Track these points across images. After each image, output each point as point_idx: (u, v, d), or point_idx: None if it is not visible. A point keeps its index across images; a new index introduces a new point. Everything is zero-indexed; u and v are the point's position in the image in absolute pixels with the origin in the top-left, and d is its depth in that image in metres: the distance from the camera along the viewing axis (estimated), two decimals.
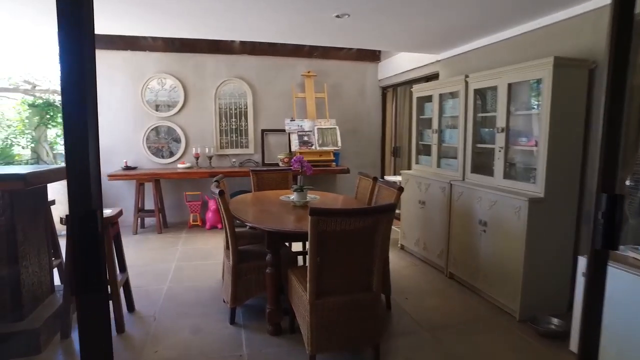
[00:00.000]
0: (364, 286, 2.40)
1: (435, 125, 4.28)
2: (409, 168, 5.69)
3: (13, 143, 10.63)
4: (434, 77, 5.12)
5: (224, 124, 6.34)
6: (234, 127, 6.38)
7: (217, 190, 2.87)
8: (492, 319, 3.12)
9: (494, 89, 3.48)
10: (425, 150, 4.67)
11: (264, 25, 3.93)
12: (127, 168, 5.90)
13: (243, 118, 6.38)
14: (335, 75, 6.65)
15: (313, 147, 6.00)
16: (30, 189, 2.77)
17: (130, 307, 3.23)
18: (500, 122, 3.30)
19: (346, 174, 6.19)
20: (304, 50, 6.44)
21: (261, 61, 6.37)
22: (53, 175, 2.89)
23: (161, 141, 6.22)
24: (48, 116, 6.28)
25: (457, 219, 3.73)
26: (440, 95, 4.18)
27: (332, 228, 2.17)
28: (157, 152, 6.21)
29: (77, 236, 0.94)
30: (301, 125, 6.09)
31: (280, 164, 6.08)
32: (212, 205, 5.90)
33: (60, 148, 6.64)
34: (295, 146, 6.00)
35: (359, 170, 6.49)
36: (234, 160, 6.31)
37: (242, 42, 6.23)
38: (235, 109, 6.35)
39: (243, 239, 3.47)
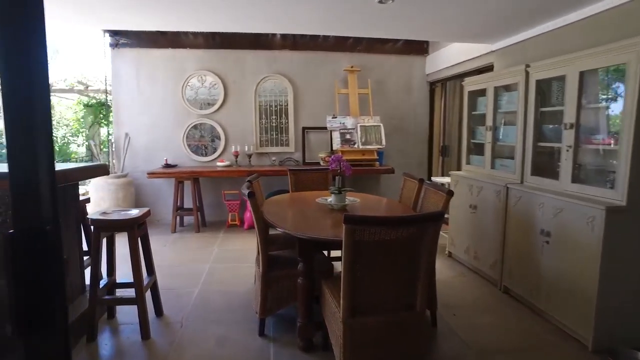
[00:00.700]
0: (406, 304, 2.08)
1: (489, 121, 3.86)
2: (459, 169, 5.27)
3: (69, 141, 11.12)
4: (487, 69, 4.67)
5: (264, 121, 6.18)
6: (274, 124, 6.20)
7: (246, 192, 2.66)
8: (557, 346, 2.70)
9: (560, 79, 3.03)
10: (477, 149, 4.25)
11: (304, 15, 3.69)
12: (167, 166, 5.88)
13: (283, 115, 6.19)
14: (380, 70, 6.31)
15: (356, 146, 5.70)
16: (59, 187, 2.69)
17: (158, 312, 3.09)
18: (569, 117, 2.86)
19: (390, 174, 5.85)
20: (347, 44, 6.16)
21: (302, 56, 6.15)
22: (74, 174, 2.80)
23: (201, 139, 6.15)
24: (101, 115, 6.42)
25: (514, 227, 3.31)
26: (496, 89, 3.75)
27: (369, 238, 1.88)
28: (196, 150, 6.15)
29: (18, 260, 0.72)
30: (343, 123, 5.81)
31: (322, 163, 5.84)
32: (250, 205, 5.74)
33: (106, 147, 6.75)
34: (337, 144, 5.73)
35: (404, 170, 6.12)
36: (273, 158, 6.14)
37: (283, 37, 6.04)
38: (276, 106, 6.17)
39: (276, 243, 3.25)
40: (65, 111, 10.99)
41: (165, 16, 3.83)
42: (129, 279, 2.80)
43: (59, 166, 2.92)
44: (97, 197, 5.53)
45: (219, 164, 5.90)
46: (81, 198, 3.55)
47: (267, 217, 2.71)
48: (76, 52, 21.76)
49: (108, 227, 2.70)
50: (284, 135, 6.21)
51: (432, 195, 2.94)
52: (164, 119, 6.06)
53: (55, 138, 11.01)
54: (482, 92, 4.10)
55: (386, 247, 1.93)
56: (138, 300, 2.71)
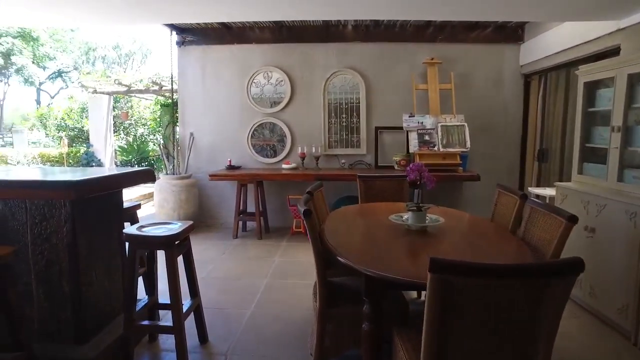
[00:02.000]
0: None
1: (616, 120, 2.99)
2: (563, 178, 4.37)
3: (147, 140, 11.55)
4: (608, 54, 3.73)
5: (333, 120, 5.68)
6: (344, 124, 5.68)
7: (302, 209, 2.15)
8: None
9: None
10: (595, 155, 3.38)
11: None
12: (231, 167, 5.60)
13: (354, 114, 5.64)
14: (464, 62, 5.52)
15: (436, 148, 4.99)
16: (94, 196, 2.39)
17: (203, 338, 2.70)
18: None
19: (475, 182, 5.05)
20: (427, 34, 5.45)
21: (376, 48, 5.55)
22: (117, 181, 2.48)
23: (266, 139, 5.80)
24: (176, 115, 6.38)
25: None
26: (630, 77, 2.88)
27: (467, 292, 1.28)
28: (261, 151, 5.82)
29: None
30: (422, 122, 5.13)
31: (396, 167, 5.22)
32: None
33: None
34: (414, 146, 5.06)
35: (491, 177, 5.29)
36: (343, 161, 5.62)
37: (355, 28, 5.48)
38: (346, 104, 5.64)
39: (339, 265, 2.71)
40: (143, 111, 11.44)
41: (227, 7, 3.47)
42: None
43: (97, 172, 2.63)
44: (161, 198, 5.40)
45: (284, 166, 5.51)
46: (132, 204, 3.29)
47: (328, 240, 2.18)
48: (153, 53, 23.02)
49: (143, 244, 2.34)
50: (354, 135, 5.67)
51: (543, 219, 2.22)
52: (229, 118, 5.80)
53: (134, 137, 11.51)
54: (604, 83, 3.24)
55: (491, 306, 1.30)
56: (175, 329, 2.32)
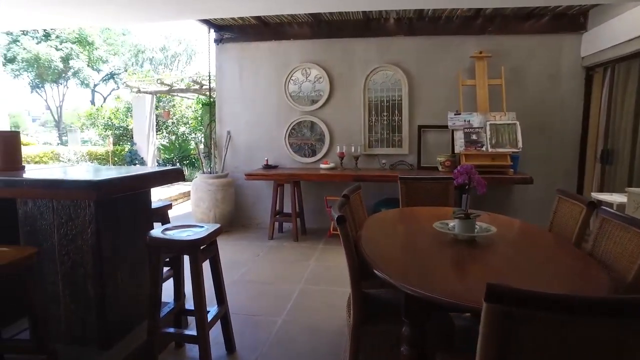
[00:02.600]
0: None
1: None
2: (630, 183, 3.91)
3: (188, 139, 11.73)
4: None
5: (373, 118, 5.43)
6: (385, 122, 5.41)
7: (336, 215, 1.94)
8: None
9: None
10: None
11: None
12: (267, 167, 5.47)
13: (396, 112, 5.36)
14: (517, 54, 5.10)
15: (484, 148, 4.63)
16: (120, 196, 2.29)
17: (230, 348, 2.55)
18: None
19: (527, 185, 4.64)
20: (475, 25, 5.08)
21: (420, 42, 5.24)
22: (143, 181, 2.37)
23: (304, 138, 5.64)
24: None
25: None
26: None
27: (532, 329, 1.02)
28: (299, 150, 5.65)
29: None
30: (469, 120, 4.78)
31: (440, 168, 4.90)
32: None
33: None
34: (459, 146, 4.73)
35: (545, 179, 4.88)
36: (383, 161, 5.35)
37: (397, 21, 5.21)
38: (387, 101, 5.37)
39: (376, 275, 2.48)
40: (185, 110, 11.64)
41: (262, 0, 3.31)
42: None
43: (121, 171, 2.54)
44: (197, 198, 5.35)
45: (322, 166, 5.32)
46: (163, 203, 3.21)
47: (364, 249, 1.96)
48: (197, 54, 23.51)
49: (166, 249, 2.21)
50: (396, 134, 5.39)
51: (620, 233, 1.89)
52: (266, 116, 5.68)
53: (176, 135, 11.73)
54: None
55: (564, 349, 1.04)
56: (199, 340, 2.17)
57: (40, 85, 21.44)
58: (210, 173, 5.60)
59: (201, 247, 2.20)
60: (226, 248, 4.76)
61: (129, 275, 2.48)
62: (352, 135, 5.46)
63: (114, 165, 10.62)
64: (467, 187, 2.17)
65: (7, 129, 4.85)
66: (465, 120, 4.79)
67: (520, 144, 4.61)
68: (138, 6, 3.55)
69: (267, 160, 5.52)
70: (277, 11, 4.39)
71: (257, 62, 5.64)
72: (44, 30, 19.72)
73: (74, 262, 2.26)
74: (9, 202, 2.32)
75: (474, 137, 4.72)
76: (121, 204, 2.38)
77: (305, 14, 5.05)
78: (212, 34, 5.65)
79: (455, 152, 4.88)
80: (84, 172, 2.52)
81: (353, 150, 5.27)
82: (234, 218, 5.67)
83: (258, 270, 4.08)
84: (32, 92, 21.87)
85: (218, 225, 2.37)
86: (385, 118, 5.40)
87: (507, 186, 5.07)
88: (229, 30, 5.60)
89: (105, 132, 12.18)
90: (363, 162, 5.39)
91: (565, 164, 5.18)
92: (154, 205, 3.07)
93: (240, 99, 5.73)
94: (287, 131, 5.61)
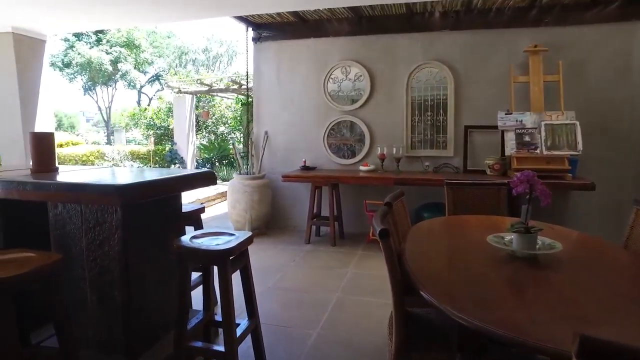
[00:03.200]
0: None
1: None
2: None
3: (227, 138, 11.81)
4: None
5: (416, 118, 5.15)
6: (428, 122, 5.12)
7: (379, 228, 1.72)
8: None
9: None
10: None
11: None
12: (305, 168, 5.32)
13: (441, 111, 5.05)
14: (577, 47, 4.66)
15: (538, 151, 4.26)
16: (148, 201, 2.18)
17: None
18: None
19: (588, 192, 4.21)
20: (529, 17, 4.69)
21: (467, 37, 4.91)
22: (171, 185, 2.25)
23: (343, 139, 5.43)
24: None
25: None
26: None
27: None
28: (338, 151, 5.46)
29: None
30: (521, 120, 4.41)
31: (488, 172, 4.56)
32: None
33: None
34: (511, 148, 4.37)
35: (609, 185, 4.44)
36: (427, 164, 5.06)
37: (443, 15, 4.90)
38: (431, 101, 5.08)
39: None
40: (224, 110, 11.72)
41: None
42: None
43: (153, 174, 2.44)
44: (233, 199, 5.27)
45: (362, 168, 5.10)
46: (195, 207, 3.10)
47: (409, 266, 1.74)
48: (237, 55, 23.79)
49: (193, 258, 2.07)
50: (440, 135, 5.08)
51: None
52: (304, 116, 5.53)
53: (215, 135, 11.85)
54: None
55: None
56: (227, 356, 2.02)
57: (92, 88, 22.43)
58: (247, 174, 5.51)
59: (231, 258, 2.05)
60: (261, 252, 4.65)
61: (157, 282, 2.38)
62: (393, 136, 5.20)
63: (154, 164, 10.85)
64: (528, 197, 1.90)
65: (53, 129, 4.95)
66: (517, 120, 4.42)
67: (580, 146, 4.19)
68: (176, 4, 3.48)
69: (304, 161, 5.36)
70: (315, 5, 4.21)
71: (295, 60, 5.50)
72: (96, 35, 20.64)
73: (101, 268, 2.17)
74: (43, 205, 2.27)
75: (526, 138, 4.34)
76: (150, 208, 2.28)
77: (344, 9, 4.85)
78: (250, 33, 5.56)
79: (506, 154, 4.53)
80: (114, 174, 2.44)
81: (394, 151, 5.01)
82: (270, 220, 5.56)
83: (293, 277, 3.92)
84: (84, 94, 22.94)
85: (249, 234, 2.21)
86: (429, 118, 5.11)
87: (564, 193, 4.65)
88: (266, 29, 5.49)
89: (147, 131, 12.51)
90: (405, 165, 5.12)
91: (634, 169, 4.67)
92: (186, 208, 2.97)
93: (278, 99, 5.61)
94: (325, 131, 5.43)
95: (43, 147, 2.50)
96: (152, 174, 2.46)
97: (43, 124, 4.60)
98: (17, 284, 1.73)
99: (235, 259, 2.13)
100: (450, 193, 3.14)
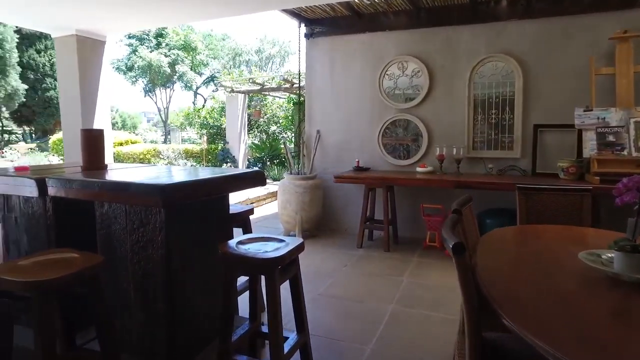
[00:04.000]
0: None
1: None
2: None
3: (279, 138, 11.79)
4: None
5: (479, 117, 4.76)
6: (492, 121, 4.71)
7: (451, 242, 1.46)
8: None
9: None
10: None
11: None
12: (358, 169, 5.08)
13: (507, 109, 4.63)
14: None
15: (625, 152, 3.76)
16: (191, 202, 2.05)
17: None
18: None
19: None
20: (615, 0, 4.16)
21: (539, 26, 4.46)
22: (216, 186, 2.10)
23: (399, 138, 5.14)
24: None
25: None
26: None
27: None
28: (393, 151, 5.17)
29: None
30: (604, 118, 3.92)
31: (562, 175, 4.11)
32: None
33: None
34: (590, 149, 3.90)
35: None
36: (490, 166, 4.65)
37: (510, 3, 4.48)
38: (496, 97, 4.67)
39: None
40: (276, 109, 11.72)
41: None
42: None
43: (199, 175, 2.30)
44: (283, 200, 5.13)
45: (419, 169, 4.79)
46: (243, 208, 2.96)
47: (485, 287, 1.46)
48: (290, 55, 23.90)
49: (239, 266, 1.91)
50: (506, 135, 4.66)
51: None
52: (358, 114, 5.29)
53: (267, 134, 11.88)
54: None
55: None
56: None
57: (151, 90, 23.46)
58: (299, 174, 5.36)
59: (279, 267, 1.86)
60: (312, 255, 4.47)
61: (203, 288, 2.25)
62: (453, 136, 4.84)
63: (207, 163, 11.04)
64: (636, 207, 1.56)
65: (110, 127, 5.05)
66: (598, 118, 3.94)
67: None
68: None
69: (358, 161, 5.13)
70: None
71: (349, 56, 5.27)
72: (156, 39, 21.54)
73: (145, 271, 2.07)
74: (92, 203, 2.21)
75: (610, 138, 3.85)
76: (195, 209, 2.15)
77: (402, 0, 4.57)
78: (303, 29, 5.41)
79: (584, 156, 4.04)
80: (161, 173, 2.34)
81: (454, 152, 4.66)
82: (321, 222, 5.37)
83: (345, 284, 3.70)
84: (145, 96, 24.04)
85: (300, 241, 2.01)
86: (493, 116, 4.70)
87: None
88: (319, 24, 5.31)
89: (201, 131, 12.80)
90: (466, 166, 4.75)
91: None
92: (234, 209, 2.84)
93: (331, 97, 5.42)
94: (380, 131, 5.16)
95: (93, 145, 2.45)
96: (200, 173, 2.34)
97: (101, 123, 4.71)
98: (58, 286, 1.65)
99: (284, 268, 1.94)
100: (523, 199, 2.79)
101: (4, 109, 16.13)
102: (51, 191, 2.13)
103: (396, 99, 5.09)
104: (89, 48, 4.65)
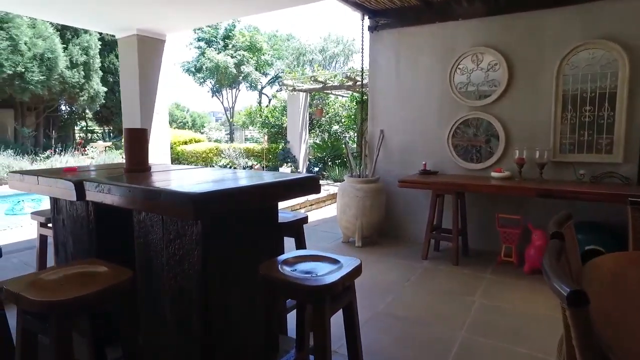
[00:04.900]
0: None
1: None
2: None
3: (341, 137, 11.49)
4: None
5: (568, 115, 4.12)
6: (586, 119, 4.06)
7: (565, 288, 1.04)
8: None
9: None
10: None
11: None
12: (425, 172, 4.63)
13: (606, 105, 3.96)
14: None
15: None
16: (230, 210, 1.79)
17: None
18: None
19: None
20: None
21: None
22: (261, 195, 1.82)
23: (471, 139, 4.62)
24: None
25: None
26: None
27: None
28: (465, 153, 4.66)
29: None
30: None
31: None
32: (538, 238, 3.86)
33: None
34: None
35: None
36: (581, 171, 4.00)
37: None
38: (592, 91, 4.01)
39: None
40: (338, 108, 11.43)
41: None
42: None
43: (241, 179, 2.04)
44: (343, 204, 4.81)
45: (494, 174, 4.25)
46: (296, 216, 2.68)
47: (603, 340, 1.04)
48: (354, 54, 23.49)
49: (282, 291, 1.61)
50: (603, 136, 3.98)
51: None
52: (426, 113, 4.84)
53: (328, 134, 11.61)
54: None
55: None
56: None
57: (219, 90, 24.20)
58: (360, 176, 5.02)
59: (331, 295, 1.54)
60: (372, 265, 4.11)
61: (245, 309, 1.98)
62: (536, 137, 4.25)
63: (267, 163, 11.01)
64: None
65: (167, 127, 5.02)
66: None
67: None
68: None
69: (425, 164, 4.68)
70: None
71: (417, 49, 4.83)
72: (224, 41, 22.17)
73: (180, 287, 1.84)
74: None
75: None
76: (238, 219, 1.89)
77: None
78: (366, 21, 5.05)
79: None
80: (203, 177, 2.11)
81: (537, 155, 4.07)
82: (383, 228, 4.99)
83: (407, 302, 3.30)
84: (212, 96, 24.86)
85: (357, 263, 1.68)
86: (587, 114, 4.04)
87: None
88: (384, 15, 4.92)
89: (262, 130, 12.84)
90: (550, 172, 4.14)
91: None
92: (286, 217, 2.57)
93: (396, 94, 5.01)
94: (450, 130, 4.67)
95: (136, 145, 2.28)
96: (244, 179, 2.09)
97: (159, 122, 4.69)
98: (78, 306, 1.45)
99: (336, 296, 1.62)
100: (637, 217, 2.23)
101: (87, 110, 17.36)
102: (89, 195, 1.97)
103: (469, 95, 4.57)
104: (149, 47, 4.65)
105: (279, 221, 2.44)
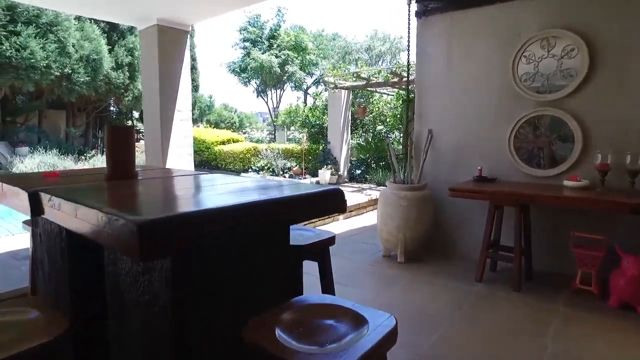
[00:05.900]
0: None
1: None
2: None
3: (384, 138, 10.81)
4: None
5: None
6: None
7: None
8: None
9: None
10: None
11: None
12: (480, 179, 3.95)
13: None
14: None
15: None
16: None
17: None
18: None
19: None
20: None
21: None
22: (251, 218, 1.30)
23: (538, 140, 3.89)
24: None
25: None
26: None
27: None
28: (529, 157, 3.94)
29: None
30: None
31: None
32: (632, 267, 3.07)
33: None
34: None
35: None
36: None
37: None
38: None
39: None
40: (383, 107, 10.75)
41: None
42: None
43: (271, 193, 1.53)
44: (384, 213, 4.23)
45: (567, 183, 3.50)
46: (320, 236, 2.14)
47: None
48: (398, 51, 22.59)
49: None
50: None
51: None
52: (482, 110, 4.15)
53: (372, 134, 10.95)
54: None
55: None
56: None
57: (263, 90, 24.15)
58: (404, 182, 4.41)
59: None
60: (415, 287, 3.51)
61: None
62: (624, 138, 3.46)
63: (307, 164, 10.53)
64: None
65: (191, 123, 4.63)
66: None
67: None
68: None
69: (480, 169, 3.99)
70: None
71: (472, 36, 4.16)
72: (268, 41, 22.07)
73: (151, 340, 1.35)
74: None
75: None
76: (228, 242, 1.37)
77: None
78: (413, 6, 4.43)
79: None
80: (197, 188, 1.62)
81: (628, 161, 3.28)
82: (430, 243, 4.36)
83: (459, 341, 2.67)
84: (257, 96, 24.86)
85: (392, 325, 1.12)
86: None
87: None
88: None
89: (302, 130, 12.40)
90: None
91: None
92: (308, 238, 2.04)
93: (447, 89, 4.35)
94: (512, 130, 3.96)
95: (119, 147, 1.83)
96: (245, 193, 1.57)
97: (181, 118, 4.31)
98: None
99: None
100: None
101: (133, 111, 17.73)
102: (46, 211, 1.54)
103: (536, 88, 3.84)
104: (171, 38, 4.29)
105: (297, 243, 1.92)
